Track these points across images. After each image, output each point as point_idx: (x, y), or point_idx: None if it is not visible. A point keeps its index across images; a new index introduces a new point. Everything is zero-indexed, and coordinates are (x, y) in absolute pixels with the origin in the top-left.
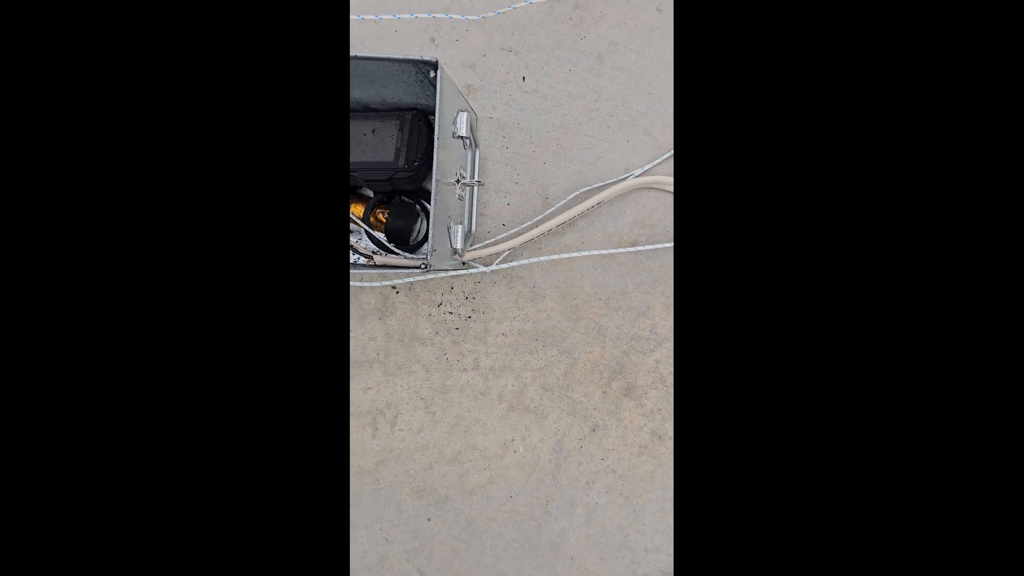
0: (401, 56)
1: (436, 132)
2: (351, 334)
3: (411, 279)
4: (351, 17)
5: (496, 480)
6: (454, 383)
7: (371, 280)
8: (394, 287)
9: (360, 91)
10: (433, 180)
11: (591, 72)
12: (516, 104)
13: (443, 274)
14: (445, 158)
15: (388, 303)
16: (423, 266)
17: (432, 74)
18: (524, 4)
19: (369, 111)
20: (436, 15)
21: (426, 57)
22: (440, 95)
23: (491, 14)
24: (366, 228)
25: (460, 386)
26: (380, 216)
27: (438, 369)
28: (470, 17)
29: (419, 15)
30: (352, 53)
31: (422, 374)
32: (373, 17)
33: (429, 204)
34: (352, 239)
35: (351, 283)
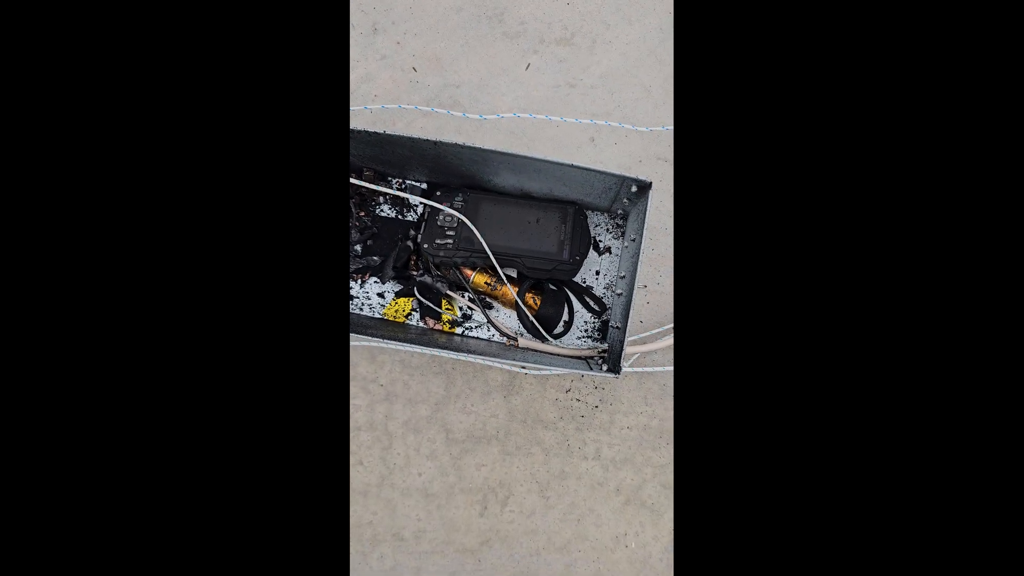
0: (618, 172)
1: (643, 241)
2: (474, 408)
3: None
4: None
5: (603, 574)
6: (572, 470)
7: (500, 360)
8: (523, 368)
9: (536, 183)
10: (635, 287)
11: None
12: (666, 210)
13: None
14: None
15: (515, 382)
16: (606, 368)
17: (634, 189)
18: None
19: (530, 199)
20: (598, 121)
21: (641, 177)
22: (647, 211)
23: (659, 129)
24: (525, 311)
25: (579, 474)
26: (532, 301)
27: (558, 454)
28: (638, 128)
29: (583, 120)
30: (567, 161)
31: (541, 457)
32: (557, 117)
33: (572, 294)
34: (491, 314)
35: (479, 360)
